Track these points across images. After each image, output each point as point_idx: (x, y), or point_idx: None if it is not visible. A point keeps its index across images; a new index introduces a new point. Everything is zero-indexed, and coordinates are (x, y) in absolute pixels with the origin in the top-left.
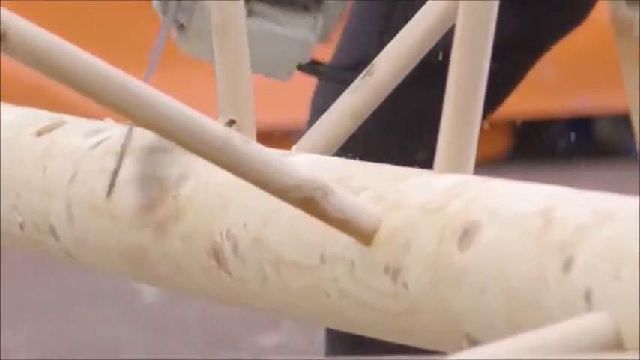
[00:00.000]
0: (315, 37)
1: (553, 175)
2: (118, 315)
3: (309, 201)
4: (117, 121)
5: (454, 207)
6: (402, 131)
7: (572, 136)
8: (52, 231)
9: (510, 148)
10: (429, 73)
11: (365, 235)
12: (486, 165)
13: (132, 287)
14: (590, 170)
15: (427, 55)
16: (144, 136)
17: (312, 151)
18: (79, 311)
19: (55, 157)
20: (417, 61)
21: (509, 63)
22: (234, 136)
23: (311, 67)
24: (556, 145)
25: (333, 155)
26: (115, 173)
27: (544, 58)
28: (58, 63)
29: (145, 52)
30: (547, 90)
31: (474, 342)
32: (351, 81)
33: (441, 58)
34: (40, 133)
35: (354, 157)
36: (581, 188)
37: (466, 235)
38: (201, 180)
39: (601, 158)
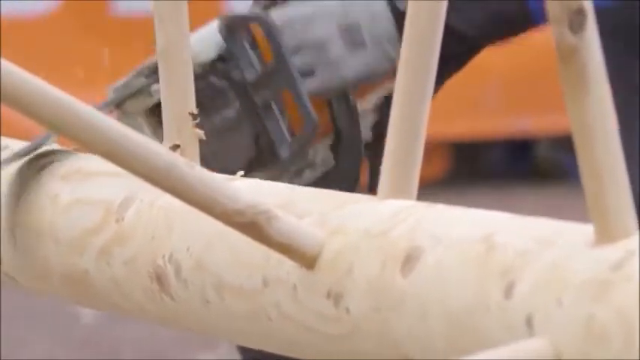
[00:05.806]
0: None
1: (491, 197)
2: (55, 336)
3: (252, 225)
4: (62, 144)
5: (397, 232)
6: None
7: (511, 158)
8: None
9: (449, 170)
10: None
11: (307, 260)
12: (425, 186)
13: (69, 308)
14: (528, 192)
15: None
16: None
17: None
18: (16, 332)
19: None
20: None
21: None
22: (179, 160)
23: None
24: (495, 167)
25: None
26: None
27: (484, 80)
28: (5, 86)
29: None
30: (486, 112)
31: None
32: None
33: None
34: None
35: None
36: (519, 211)
37: (409, 260)
38: (144, 203)
39: (539, 180)
